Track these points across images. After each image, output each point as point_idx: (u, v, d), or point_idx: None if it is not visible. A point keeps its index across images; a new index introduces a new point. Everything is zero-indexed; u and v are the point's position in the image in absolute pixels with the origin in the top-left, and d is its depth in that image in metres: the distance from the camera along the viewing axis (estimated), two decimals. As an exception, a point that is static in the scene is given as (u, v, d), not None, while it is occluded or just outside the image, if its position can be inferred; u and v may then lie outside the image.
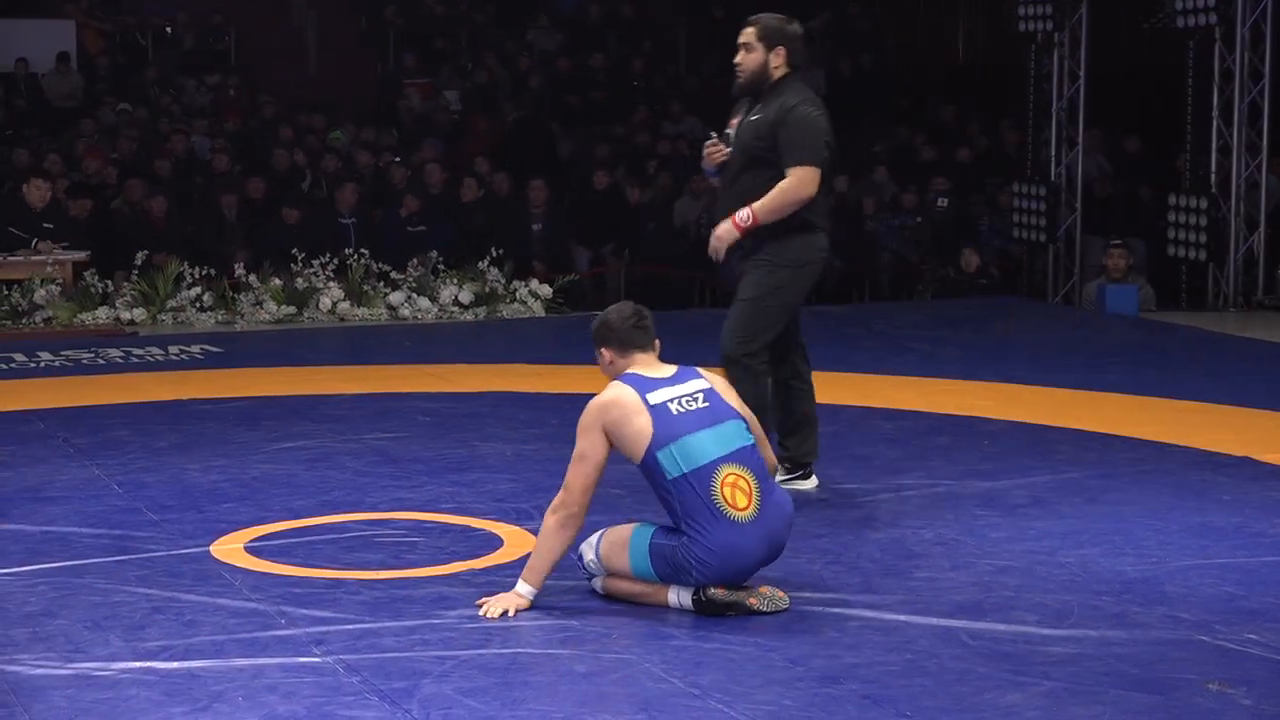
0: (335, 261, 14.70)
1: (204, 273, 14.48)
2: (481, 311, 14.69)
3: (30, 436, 9.12)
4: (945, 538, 6.98)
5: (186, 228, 15.93)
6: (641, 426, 5.91)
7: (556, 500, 5.96)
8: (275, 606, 6.00)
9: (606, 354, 6.17)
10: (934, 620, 5.86)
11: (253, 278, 14.52)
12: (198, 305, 14.36)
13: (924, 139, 20.01)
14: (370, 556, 6.68)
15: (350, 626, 5.78)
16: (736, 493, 5.90)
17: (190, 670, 5.34)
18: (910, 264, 17.36)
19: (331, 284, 14.57)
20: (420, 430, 9.23)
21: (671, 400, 5.99)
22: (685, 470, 5.88)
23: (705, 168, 7.93)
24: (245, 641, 5.62)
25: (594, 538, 6.14)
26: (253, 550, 6.79)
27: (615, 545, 6.07)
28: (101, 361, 11.71)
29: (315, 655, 5.48)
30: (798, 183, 7.48)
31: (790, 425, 7.84)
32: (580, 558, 6.16)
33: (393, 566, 6.53)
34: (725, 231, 7.66)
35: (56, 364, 11.57)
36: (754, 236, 7.61)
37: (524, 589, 5.98)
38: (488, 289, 14.81)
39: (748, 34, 7.59)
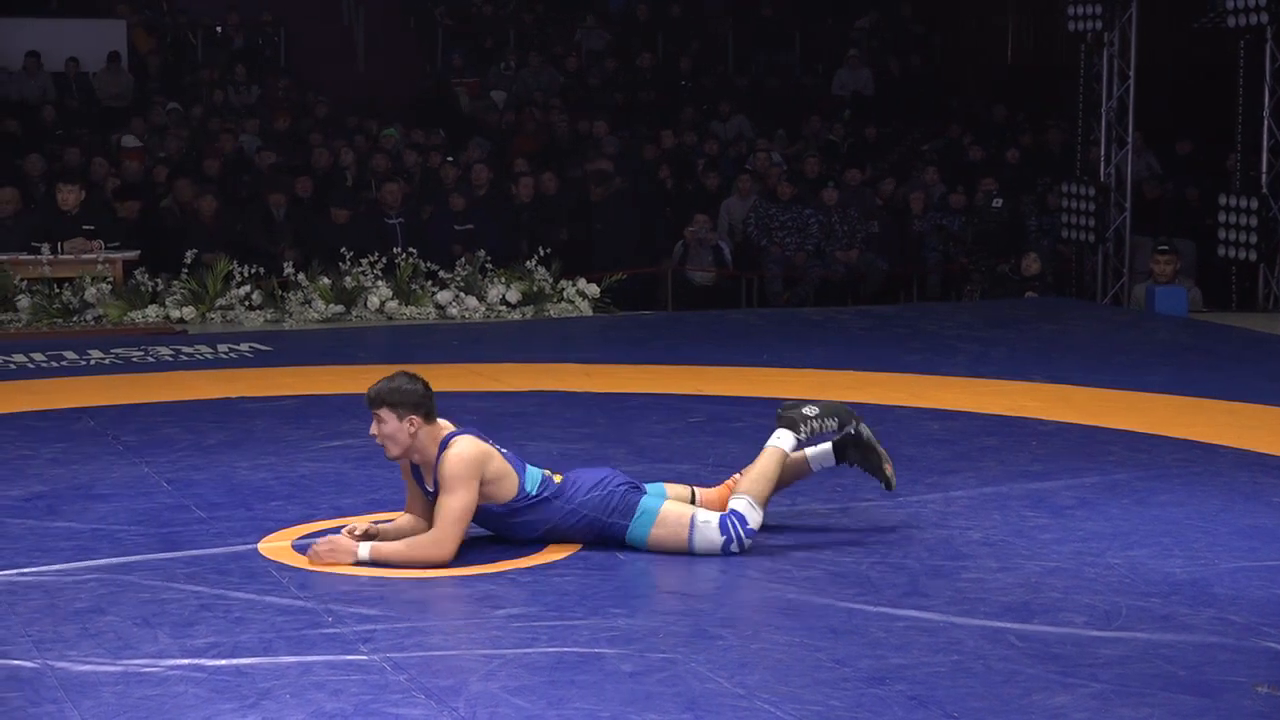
0: (383, 260, 14.73)
1: (253, 271, 14.53)
2: (529, 311, 14.70)
3: (81, 434, 9.17)
4: (993, 539, 6.96)
5: (236, 226, 15.99)
6: (511, 473, 6.60)
7: (436, 552, 6.44)
8: (323, 604, 6.02)
9: (415, 420, 6.56)
10: (981, 621, 5.84)
11: (301, 276, 14.56)
12: (247, 304, 14.41)
13: (973, 139, 19.96)
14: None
15: (397, 625, 5.79)
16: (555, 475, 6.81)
17: (238, 667, 5.36)
18: (959, 264, 17.32)
19: (379, 283, 14.60)
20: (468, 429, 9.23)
21: (497, 448, 6.67)
22: (538, 488, 6.68)
23: None
24: (293, 639, 5.64)
25: (744, 506, 6.63)
26: (300, 548, 6.80)
27: (676, 528, 6.61)
28: (151, 359, 11.77)
29: (362, 653, 5.49)
30: None
31: None
32: (748, 534, 6.61)
33: (439, 567, 6.52)
34: None
35: (107, 362, 11.62)
36: None
37: (362, 555, 6.46)
38: (535, 288, 14.83)
39: None
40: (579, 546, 6.68)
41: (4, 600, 6.09)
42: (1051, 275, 16.64)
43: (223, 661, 5.41)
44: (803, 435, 6.84)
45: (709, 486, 7.09)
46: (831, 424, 6.85)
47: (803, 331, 13.32)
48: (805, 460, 7.04)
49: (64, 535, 7.03)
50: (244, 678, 5.26)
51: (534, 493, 6.65)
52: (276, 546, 6.83)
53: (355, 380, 10.76)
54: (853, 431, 6.91)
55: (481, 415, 9.57)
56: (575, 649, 5.56)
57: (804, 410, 6.86)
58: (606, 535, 6.68)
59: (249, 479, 8.07)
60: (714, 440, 8.89)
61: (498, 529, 6.72)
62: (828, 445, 7.02)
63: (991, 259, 16.85)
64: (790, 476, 6.99)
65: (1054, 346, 12.37)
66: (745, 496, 6.70)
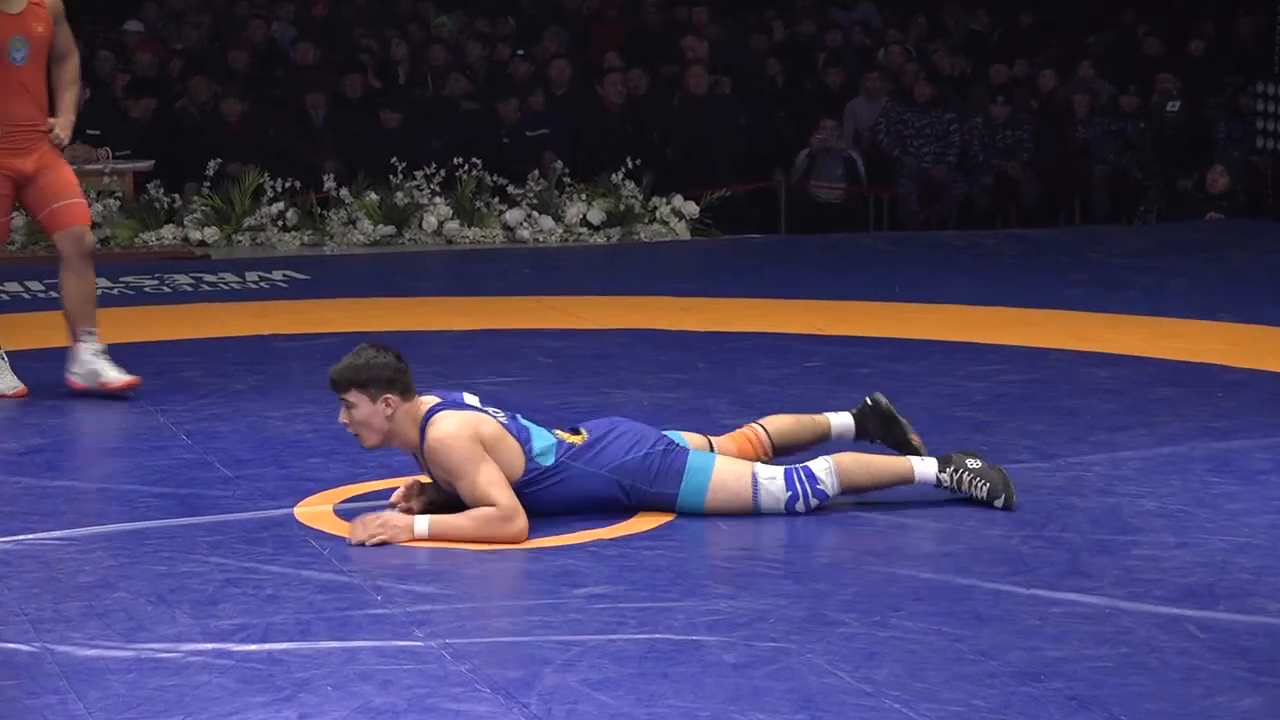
0: (441, 173, 14.75)
1: (288, 185, 14.59)
2: (615, 233, 14.72)
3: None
4: (1169, 509, 6.92)
5: (267, 132, 16.04)
6: (510, 440, 6.63)
7: (509, 530, 6.46)
8: (370, 580, 6.05)
9: (390, 400, 6.58)
10: (1155, 607, 5.81)
11: (344, 192, 14.62)
12: (280, 224, 14.50)
13: (1148, 29, 19.77)
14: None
15: (458, 605, 5.82)
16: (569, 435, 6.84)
17: (270, 653, 5.40)
18: (1131, 179, 17.19)
19: (437, 200, 14.64)
20: (541, 374, 9.27)
21: (489, 411, 6.71)
22: (554, 455, 6.70)
23: None
24: (335, 621, 5.67)
25: (822, 470, 6.75)
26: (344, 514, 6.84)
27: (737, 487, 6.74)
28: (167, 289, 11.86)
29: (417, 639, 5.53)
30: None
31: None
32: (817, 494, 6.75)
33: (508, 535, 6.56)
34: None
35: (114, 292, 11.72)
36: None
37: (420, 530, 6.46)
38: (622, 206, 14.84)
39: None
40: (673, 515, 6.71)
41: (-4, 572, 6.17)
42: (1243, 193, 16.48)
43: (252, 647, 5.46)
44: (945, 476, 6.88)
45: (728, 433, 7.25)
46: (981, 490, 6.84)
47: (943, 258, 13.27)
48: (828, 425, 7.32)
49: (66, 496, 7.10)
50: (277, 666, 5.31)
51: (549, 464, 6.67)
52: (315, 511, 6.87)
53: (409, 315, 10.83)
54: (982, 497, 6.89)
55: (557, 357, 9.62)
56: (669, 635, 5.57)
57: (965, 459, 6.92)
58: (650, 506, 6.75)
59: (283, 431, 8.13)
60: (834, 389, 8.88)
61: None
62: (848, 417, 7.36)
63: (1170, 173, 16.71)
64: (811, 439, 7.25)
65: (1245, 278, 12.28)
66: (831, 462, 6.83)
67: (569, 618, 5.72)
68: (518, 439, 6.65)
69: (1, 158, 8.82)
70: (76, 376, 8.75)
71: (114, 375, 8.69)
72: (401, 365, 6.63)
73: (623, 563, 6.24)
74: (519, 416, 6.81)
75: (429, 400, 6.68)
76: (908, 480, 6.88)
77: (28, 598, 5.89)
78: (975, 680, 5.21)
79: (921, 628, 5.63)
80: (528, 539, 6.46)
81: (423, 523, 6.48)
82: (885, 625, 5.66)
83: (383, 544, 6.42)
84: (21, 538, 6.53)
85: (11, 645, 5.46)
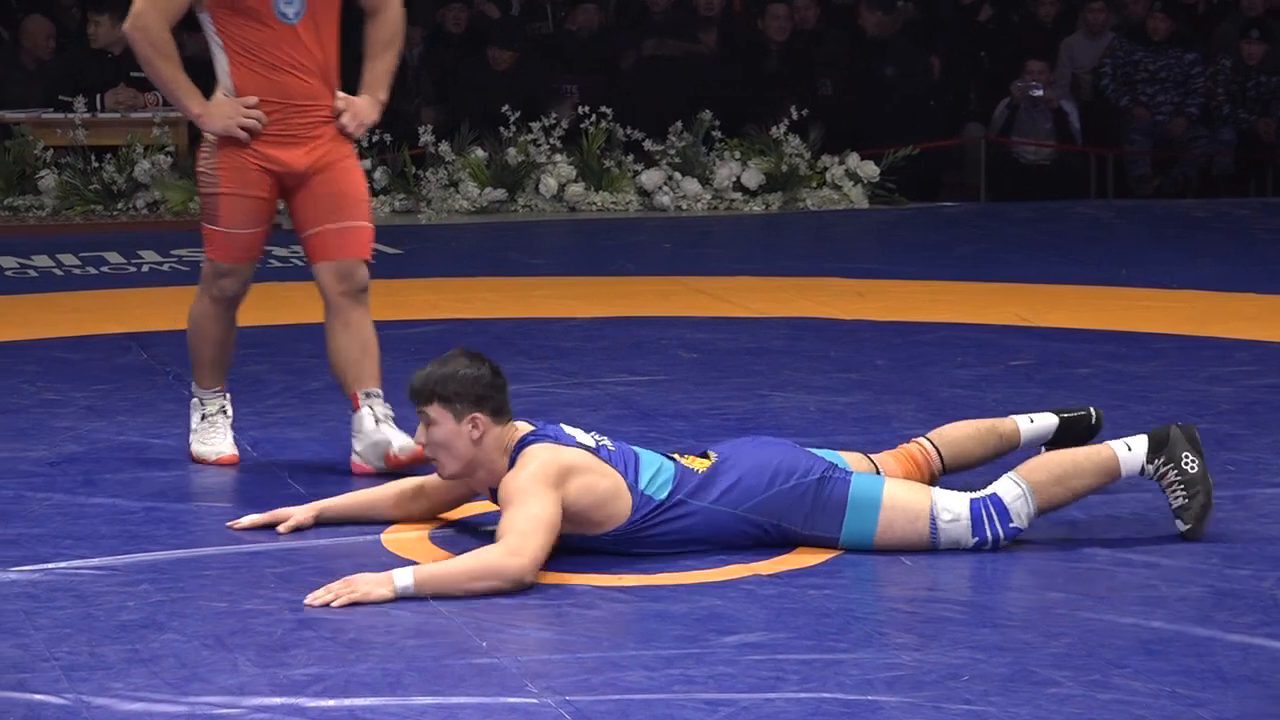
0: (563, 125, 14.76)
1: (375, 139, 14.66)
2: (775, 200, 14.71)
3: (129, 371, 9.32)
4: None
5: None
6: (615, 481, 6.61)
7: (513, 564, 6.29)
8: (473, 620, 6.08)
9: (479, 420, 6.57)
10: None
11: (445, 147, 14.66)
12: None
13: None
14: (610, 554, 6.73)
15: (580, 655, 5.83)
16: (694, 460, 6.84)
17: (352, 710, 5.43)
18: None
19: (558, 158, 14.66)
20: (684, 372, 9.28)
21: (594, 445, 6.69)
22: (670, 486, 6.68)
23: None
24: (431, 672, 5.70)
25: (1014, 497, 6.69)
26: (440, 540, 6.88)
27: (909, 532, 6.70)
28: (229, 265, 11.94)
29: (530, 694, 5.54)
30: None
31: None
32: (1009, 534, 6.71)
33: (642, 569, 6.58)
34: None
35: (165, 268, 11.81)
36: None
37: (402, 583, 6.22)
38: (785, 167, 14.82)
39: None
40: (841, 549, 6.71)
41: (22, 608, 6.22)
42: None
43: (330, 702, 5.48)
44: (1151, 468, 6.79)
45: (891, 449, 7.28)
46: (1179, 495, 6.78)
47: (1182, 233, 13.20)
48: (1016, 435, 7.36)
49: (106, 516, 7.17)
50: (360, 725, 5.34)
51: (663, 497, 6.66)
52: (406, 538, 6.90)
53: (522, 298, 10.87)
54: (1172, 507, 6.85)
55: (703, 351, 9.62)
56: (839, 694, 5.57)
57: (1184, 452, 6.77)
58: (801, 544, 6.75)
59: (368, 439, 8.17)
60: (1046, 394, 8.84)
61: (624, 550, 6.72)
62: (1051, 419, 7.38)
63: None
64: (993, 453, 7.29)
65: None
66: (1024, 481, 6.74)
67: (717, 671, 5.73)
68: (622, 472, 6.63)
69: (265, 146, 7.89)
70: (360, 457, 7.89)
71: (400, 444, 7.79)
72: (498, 382, 6.64)
73: (782, 605, 6.23)
74: (629, 445, 6.80)
75: (524, 428, 6.66)
76: (1114, 477, 6.84)
77: (59, 639, 5.94)
78: (1218, 754, 5.19)
79: (1151, 689, 5.60)
80: (665, 572, 6.47)
81: (403, 576, 6.26)
82: (1107, 685, 5.64)
83: (352, 605, 6.23)
84: (52, 566, 6.60)
85: (39, 697, 5.49)
